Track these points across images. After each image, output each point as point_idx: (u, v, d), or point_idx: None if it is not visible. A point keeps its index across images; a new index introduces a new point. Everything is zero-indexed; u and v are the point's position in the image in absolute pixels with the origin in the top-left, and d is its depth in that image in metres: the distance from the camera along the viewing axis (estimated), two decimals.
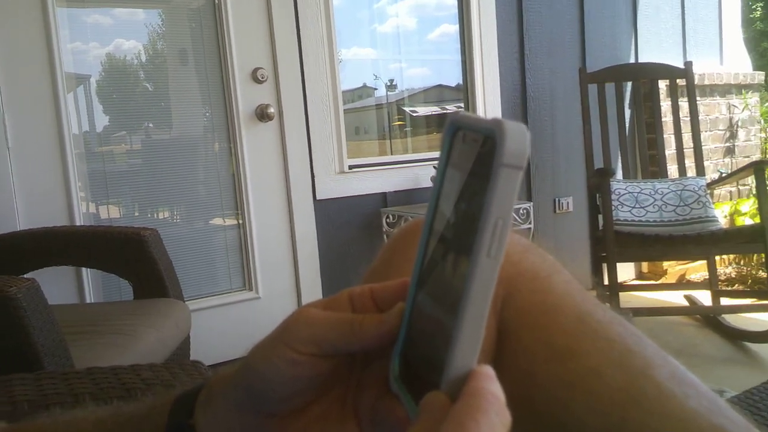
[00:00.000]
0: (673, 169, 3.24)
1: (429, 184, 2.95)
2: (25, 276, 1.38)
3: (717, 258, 3.25)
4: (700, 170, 3.04)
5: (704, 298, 3.12)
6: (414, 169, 2.98)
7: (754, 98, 4.06)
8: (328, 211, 2.78)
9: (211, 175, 2.61)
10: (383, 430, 0.37)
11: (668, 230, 2.70)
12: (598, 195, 2.79)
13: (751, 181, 3.76)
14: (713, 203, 2.90)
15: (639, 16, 3.66)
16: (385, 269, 0.52)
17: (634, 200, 2.90)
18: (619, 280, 2.60)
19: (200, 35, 2.55)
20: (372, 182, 2.88)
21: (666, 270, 3.64)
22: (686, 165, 3.10)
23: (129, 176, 2.52)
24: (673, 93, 3.16)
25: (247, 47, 2.58)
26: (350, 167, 2.84)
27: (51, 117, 2.25)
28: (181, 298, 1.92)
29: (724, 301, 3.05)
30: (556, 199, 3.41)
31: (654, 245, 2.58)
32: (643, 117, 3.23)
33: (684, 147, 3.12)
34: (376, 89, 3.11)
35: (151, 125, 2.58)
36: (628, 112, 3.43)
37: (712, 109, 3.86)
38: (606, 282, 2.58)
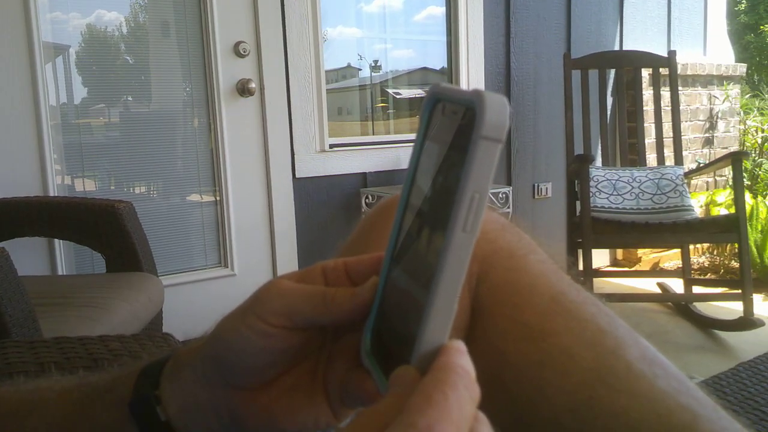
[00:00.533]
0: (651, 158, 3.26)
1: None
2: None
3: (691, 247, 3.29)
4: (679, 160, 3.07)
5: (677, 286, 3.16)
6: (395, 150, 2.98)
7: (735, 90, 4.09)
8: (307, 190, 2.77)
9: (190, 150, 2.59)
10: (352, 404, 0.38)
11: (644, 218, 2.72)
12: (576, 181, 2.80)
13: (728, 172, 3.79)
14: (690, 193, 2.93)
15: (625, 3, 3.67)
16: (360, 244, 0.52)
17: (612, 187, 2.92)
18: (594, 266, 2.62)
19: (183, 7, 2.51)
20: (353, 162, 2.87)
21: (640, 258, 3.68)
22: (665, 154, 3.13)
23: (106, 149, 2.49)
24: (656, 82, 3.17)
25: (230, 20, 2.55)
26: (331, 146, 2.82)
27: (27, 87, 2.21)
28: (154, 273, 1.91)
29: (696, 289, 3.09)
30: (536, 185, 3.43)
31: (630, 232, 2.60)
32: (625, 105, 3.24)
33: (664, 136, 3.14)
34: (360, 69, 3.09)
35: (130, 98, 2.55)
36: (610, 100, 3.44)
37: (693, 99, 3.89)
38: (581, 267, 2.61)
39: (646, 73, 3.34)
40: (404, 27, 3.19)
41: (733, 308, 2.65)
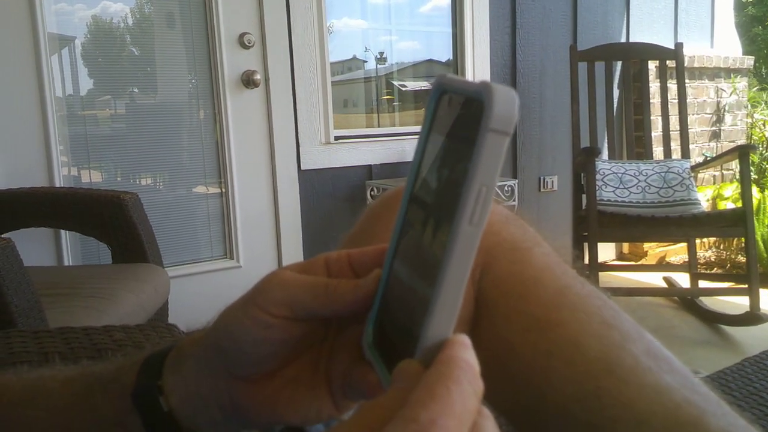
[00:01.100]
0: (658, 151, 3.25)
1: None
2: (1, 236, 1.36)
3: (697, 241, 3.28)
4: (686, 153, 3.06)
5: (683, 280, 3.15)
6: (401, 142, 2.97)
7: (742, 83, 4.06)
8: (312, 182, 2.77)
9: (195, 141, 2.59)
10: (355, 396, 0.38)
11: (651, 211, 2.71)
12: (583, 174, 2.79)
13: (735, 165, 3.78)
14: (697, 186, 2.92)
15: None
16: (364, 235, 0.52)
17: (618, 180, 2.91)
18: (600, 260, 2.62)
19: None
20: (358, 154, 2.87)
21: (646, 252, 3.67)
22: (672, 147, 3.12)
23: (112, 141, 2.49)
24: (663, 74, 3.15)
25: (235, 11, 2.54)
26: (336, 138, 2.82)
27: (32, 78, 2.21)
28: (160, 264, 1.91)
29: (703, 284, 3.08)
30: (542, 178, 3.42)
31: (636, 226, 2.60)
32: (632, 97, 3.23)
33: (670, 129, 3.13)
34: (365, 62, 3.08)
35: (135, 90, 2.55)
36: (616, 92, 3.42)
37: (700, 92, 3.87)
38: (586, 261, 2.60)
39: (652, 65, 3.32)
40: (410, 18, 3.18)
41: (740, 303, 2.64)
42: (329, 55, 2.78)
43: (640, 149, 3.20)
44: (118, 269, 1.82)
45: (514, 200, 2.88)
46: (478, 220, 0.26)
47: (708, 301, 2.90)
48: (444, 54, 3.23)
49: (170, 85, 2.57)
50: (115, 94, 2.51)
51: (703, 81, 3.88)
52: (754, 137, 4.35)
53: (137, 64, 2.56)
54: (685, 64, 3.24)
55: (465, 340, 0.28)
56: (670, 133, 3.12)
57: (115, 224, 1.87)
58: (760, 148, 4.27)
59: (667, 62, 3.17)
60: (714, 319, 2.76)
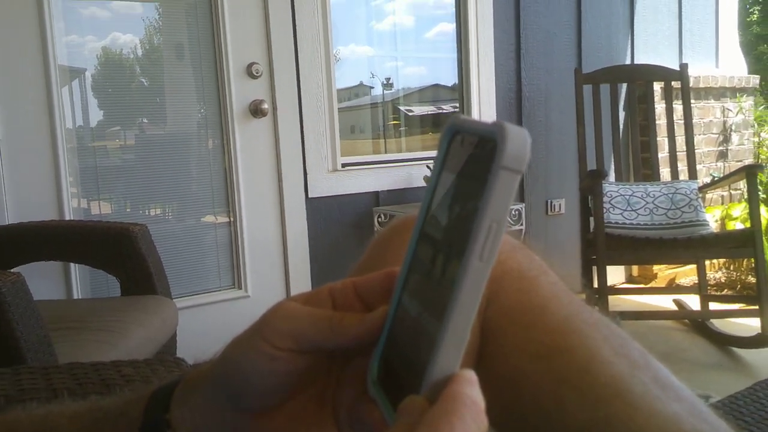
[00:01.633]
0: (665, 172, 3.24)
1: (422, 183, 2.95)
2: (11, 270, 1.38)
3: (707, 262, 3.26)
4: (693, 174, 3.05)
5: (693, 302, 3.13)
6: (407, 168, 2.98)
7: (748, 102, 4.06)
8: (320, 210, 2.78)
9: (204, 171, 2.61)
10: (362, 431, 0.37)
11: (659, 233, 2.70)
12: (590, 197, 2.79)
13: (742, 185, 3.76)
14: (705, 207, 2.90)
15: (636, 17, 3.66)
16: (372, 264, 0.51)
17: (625, 203, 2.90)
18: (609, 283, 2.60)
19: (196, 29, 2.54)
20: (365, 181, 2.88)
21: (656, 274, 3.65)
22: (679, 168, 3.11)
23: (122, 172, 2.51)
24: (668, 95, 3.16)
25: (243, 41, 2.58)
26: (343, 165, 2.83)
27: (43, 110, 2.24)
28: (168, 296, 1.92)
29: (713, 305, 3.05)
30: (549, 201, 3.42)
31: (644, 248, 2.58)
32: (637, 119, 3.23)
33: (677, 150, 3.12)
34: (372, 87, 3.11)
35: (145, 121, 2.58)
36: (622, 114, 3.43)
37: (706, 112, 3.87)
38: (595, 285, 2.59)
39: (658, 86, 3.33)
40: (415, 44, 3.21)
41: (751, 325, 2.62)
42: (336, 82, 2.81)
43: (647, 171, 3.20)
44: (126, 302, 1.83)
45: (521, 224, 2.88)
46: (488, 256, 0.27)
47: (719, 324, 2.87)
48: (450, 79, 3.25)
49: (179, 115, 2.59)
50: (124, 125, 2.53)
51: (708, 101, 3.88)
52: (762, 156, 4.34)
53: (147, 94, 2.59)
54: (691, 85, 3.24)
55: (471, 376, 0.28)
56: (677, 153, 3.12)
57: (124, 256, 1.88)
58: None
59: (673, 83, 3.18)
60: (725, 342, 2.73)
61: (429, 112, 3.27)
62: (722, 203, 3.92)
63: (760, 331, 2.48)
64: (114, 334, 1.57)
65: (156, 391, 0.41)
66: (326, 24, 2.74)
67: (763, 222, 3.00)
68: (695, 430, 0.38)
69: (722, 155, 3.97)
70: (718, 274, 3.68)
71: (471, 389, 0.27)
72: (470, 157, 0.29)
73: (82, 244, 1.97)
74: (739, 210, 3.70)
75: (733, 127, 3.99)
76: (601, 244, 2.54)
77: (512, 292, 0.44)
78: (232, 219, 2.64)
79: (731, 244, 2.58)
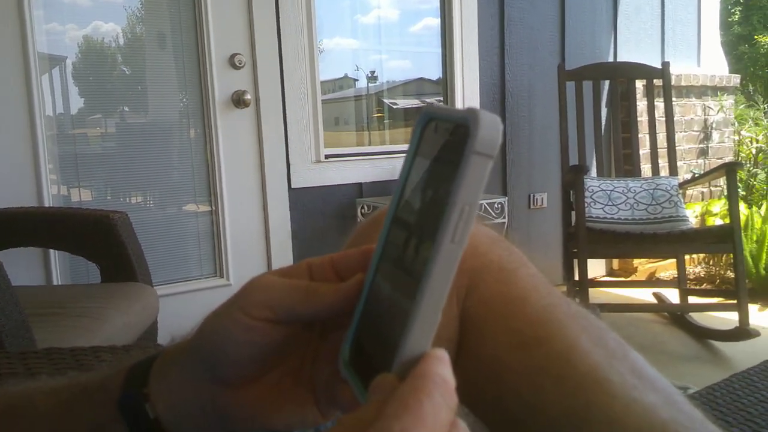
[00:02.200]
0: (646, 169, 3.28)
1: None
2: None
3: (687, 257, 3.30)
4: (673, 170, 3.08)
5: (673, 296, 3.16)
6: (391, 160, 2.98)
7: (729, 101, 4.11)
8: (302, 200, 2.78)
9: (185, 160, 2.59)
10: (338, 407, 0.38)
11: (639, 228, 2.73)
12: (572, 192, 2.81)
13: (722, 182, 3.81)
14: (685, 203, 2.94)
15: (619, 15, 3.69)
16: None
17: (607, 198, 2.93)
18: (590, 276, 2.63)
19: (179, 19, 2.53)
20: (348, 172, 2.88)
21: (636, 268, 3.68)
22: (660, 165, 3.14)
23: (102, 159, 2.49)
24: (650, 93, 3.19)
25: (226, 32, 2.56)
26: (327, 156, 2.83)
27: (22, 97, 2.22)
28: (149, 283, 1.91)
29: (692, 299, 3.10)
30: (531, 195, 3.44)
31: (625, 242, 2.61)
32: (619, 116, 3.26)
33: (658, 147, 3.15)
34: (357, 80, 3.10)
35: (126, 109, 2.56)
36: (604, 111, 3.46)
37: (687, 110, 3.91)
38: (576, 277, 2.61)
39: (640, 84, 3.36)
40: (400, 38, 3.21)
41: (729, 318, 2.66)
42: (320, 74, 2.80)
43: (628, 167, 3.23)
44: (106, 288, 1.82)
45: (504, 217, 2.89)
46: (459, 239, 0.27)
47: (697, 317, 2.91)
48: (434, 73, 3.26)
49: (161, 104, 2.57)
50: (105, 113, 2.51)
51: (690, 99, 3.92)
52: (742, 154, 4.39)
53: (128, 83, 2.57)
54: (672, 83, 3.27)
55: (442, 354, 0.28)
56: (658, 150, 3.15)
57: (104, 243, 1.87)
58: (747, 165, 4.30)
59: (655, 81, 3.21)
60: (703, 335, 2.77)
61: (413, 105, 3.27)
62: (702, 199, 3.97)
63: (737, 325, 2.52)
64: (94, 320, 1.56)
65: (134, 365, 0.41)
66: (310, 15, 2.73)
67: (742, 218, 3.04)
68: (671, 418, 0.38)
69: (703, 152, 4.01)
70: (698, 269, 3.73)
71: (441, 367, 0.27)
72: (444, 143, 0.29)
73: (62, 231, 1.96)
74: (719, 206, 3.75)
75: (714, 125, 4.04)
76: (582, 238, 2.56)
77: (492, 283, 0.44)
78: (214, 208, 2.62)
79: (710, 240, 2.62)
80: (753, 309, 2.81)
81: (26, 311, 1.37)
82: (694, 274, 3.67)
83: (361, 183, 2.91)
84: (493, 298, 0.44)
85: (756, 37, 12.10)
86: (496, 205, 2.87)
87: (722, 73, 4.16)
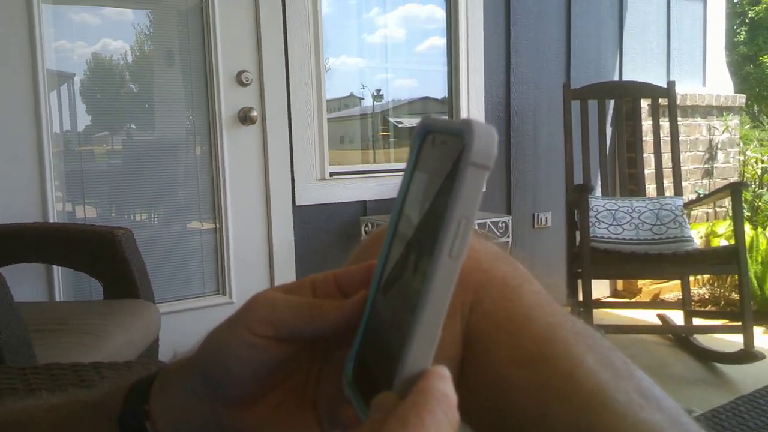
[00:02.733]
0: (651, 188, 3.27)
1: None
2: None
3: (691, 278, 3.28)
4: (678, 190, 3.07)
5: (677, 318, 3.14)
6: (395, 178, 2.98)
7: (734, 121, 4.10)
8: (307, 218, 2.78)
9: (191, 178, 2.60)
10: (340, 427, 0.37)
11: (644, 248, 2.72)
12: (576, 211, 2.81)
13: (727, 203, 3.79)
14: (690, 224, 2.93)
15: (625, 34, 3.70)
16: None
17: (611, 217, 2.92)
18: (594, 297, 2.61)
19: (187, 37, 2.55)
20: (353, 190, 2.89)
21: (641, 289, 3.66)
22: (665, 185, 3.13)
23: (108, 177, 2.51)
24: (655, 112, 3.19)
25: (233, 49, 2.58)
26: (332, 174, 2.84)
27: (30, 114, 2.24)
28: (152, 300, 1.91)
29: (697, 321, 3.07)
30: (535, 214, 3.43)
31: (630, 263, 2.60)
32: (624, 135, 3.26)
33: (663, 167, 3.15)
34: (362, 99, 3.12)
35: (133, 126, 2.58)
36: (609, 130, 3.46)
37: (692, 129, 3.90)
38: (580, 298, 2.59)
39: (645, 103, 3.36)
40: (406, 57, 3.23)
41: (734, 341, 2.63)
42: (326, 92, 2.82)
43: (633, 186, 3.22)
44: (108, 305, 1.82)
45: (508, 236, 2.89)
46: (457, 253, 0.27)
47: (702, 339, 2.88)
48: (439, 92, 3.27)
49: (168, 121, 2.59)
50: (112, 130, 2.53)
51: (695, 119, 3.92)
52: (747, 174, 4.38)
53: (135, 100, 2.59)
54: (678, 102, 3.27)
55: (443, 371, 0.28)
56: (663, 170, 3.14)
57: (107, 260, 1.87)
58: (752, 186, 4.29)
59: (660, 100, 3.21)
60: (708, 357, 2.74)
61: (414, 129, 3.27)
62: (707, 220, 3.95)
63: (743, 347, 2.49)
64: (95, 336, 1.56)
65: (135, 382, 0.40)
66: (317, 34, 2.75)
67: (747, 239, 3.02)
68: None
69: (708, 173, 4.00)
70: (702, 290, 3.70)
71: (442, 384, 0.27)
72: (440, 156, 0.29)
73: (66, 247, 1.96)
74: (724, 227, 3.73)
75: (719, 145, 4.03)
76: (587, 258, 2.55)
77: (496, 299, 0.44)
78: (218, 225, 2.63)
79: (716, 261, 2.60)
80: (758, 331, 2.78)
81: (28, 327, 1.37)
82: (698, 296, 3.64)
83: (365, 201, 2.91)
84: (497, 314, 0.43)
85: (761, 57, 12.11)
86: (500, 224, 2.87)
87: (728, 92, 4.16)
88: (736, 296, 3.40)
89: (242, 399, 0.37)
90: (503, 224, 2.88)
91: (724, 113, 4.04)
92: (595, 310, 2.61)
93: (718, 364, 2.68)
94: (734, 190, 2.62)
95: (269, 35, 2.63)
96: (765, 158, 4.37)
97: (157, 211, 2.59)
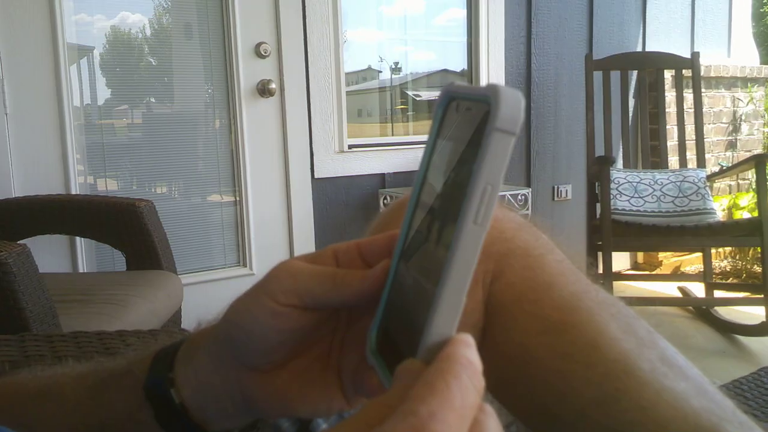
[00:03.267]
0: (674, 161, 3.23)
1: None
2: (17, 242, 1.39)
3: (713, 251, 3.25)
4: (701, 162, 3.03)
5: (698, 290, 3.12)
6: (414, 151, 2.98)
7: (759, 92, 4.03)
8: (325, 190, 2.79)
9: (211, 150, 2.61)
10: (364, 393, 0.38)
11: (666, 221, 2.69)
12: (597, 183, 2.78)
13: (751, 175, 3.74)
14: (712, 196, 2.89)
15: (648, 4, 3.63)
16: None
17: (633, 190, 2.89)
18: (614, 269, 2.60)
19: (205, 9, 2.54)
20: (371, 163, 2.88)
21: (661, 261, 3.64)
22: (687, 157, 3.09)
23: (128, 150, 2.52)
24: (679, 83, 3.14)
25: (252, 21, 2.57)
26: (350, 147, 2.83)
27: (51, 87, 2.25)
28: (174, 271, 1.93)
29: (718, 294, 3.05)
30: (555, 187, 3.41)
31: (651, 235, 2.58)
32: (647, 107, 3.21)
33: (686, 138, 3.11)
34: (380, 72, 3.10)
35: (153, 99, 2.58)
36: (632, 102, 3.41)
37: (716, 101, 3.84)
38: (600, 270, 2.58)
39: (668, 74, 3.30)
40: (425, 29, 3.19)
41: (756, 313, 2.61)
42: (344, 65, 2.80)
43: (655, 158, 3.18)
44: (131, 276, 1.84)
45: (527, 209, 2.87)
46: (482, 220, 0.27)
47: (723, 311, 2.86)
48: (459, 64, 3.24)
49: (187, 94, 2.59)
50: (132, 104, 2.54)
51: (719, 90, 3.85)
52: None
53: (154, 73, 2.59)
54: (702, 74, 3.22)
55: (467, 339, 0.27)
56: (686, 142, 3.10)
57: (130, 231, 1.89)
58: None
59: (683, 71, 3.16)
60: (729, 330, 2.73)
61: (437, 97, 3.25)
62: (730, 192, 3.90)
63: (764, 320, 2.48)
64: (119, 307, 1.59)
65: (160, 350, 0.41)
66: (336, 6, 2.73)
67: None
68: (703, 407, 0.38)
69: (731, 145, 3.94)
70: (724, 263, 3.67)
71: (467, 350, 0.27)
72: (465, 123, 0.28)
73: (89, 218, 1.98)
74: (747, 199, 3.68)
75: (743, 117, 3.97)
76: (607, 230, 2.54)
77: (518, 269, 0.44)
78: (238, 198, 2.64)
79: (738, 233, 2.58)
80: None
81: (53, 298, 1.40)
82: (720, 269, 3.61)
83: (384, 173, 2.91)
84: (520, 283, 0.43)
85: None
86: (519, 197, 2.85)
87: (753, 64, 4.08)
88: (758, 269, 3.37)
89: (267, 365, 0.37)
90: (523, 197, 2.86)
91: (749, 84, 3.97)
92: (615, 283, 2.60)
93: (739, 337, 2.66)
94: (758, 161, 2.58)
95: (287, 6, 2.61)
96: None
97: (178, 184, 2.61)
